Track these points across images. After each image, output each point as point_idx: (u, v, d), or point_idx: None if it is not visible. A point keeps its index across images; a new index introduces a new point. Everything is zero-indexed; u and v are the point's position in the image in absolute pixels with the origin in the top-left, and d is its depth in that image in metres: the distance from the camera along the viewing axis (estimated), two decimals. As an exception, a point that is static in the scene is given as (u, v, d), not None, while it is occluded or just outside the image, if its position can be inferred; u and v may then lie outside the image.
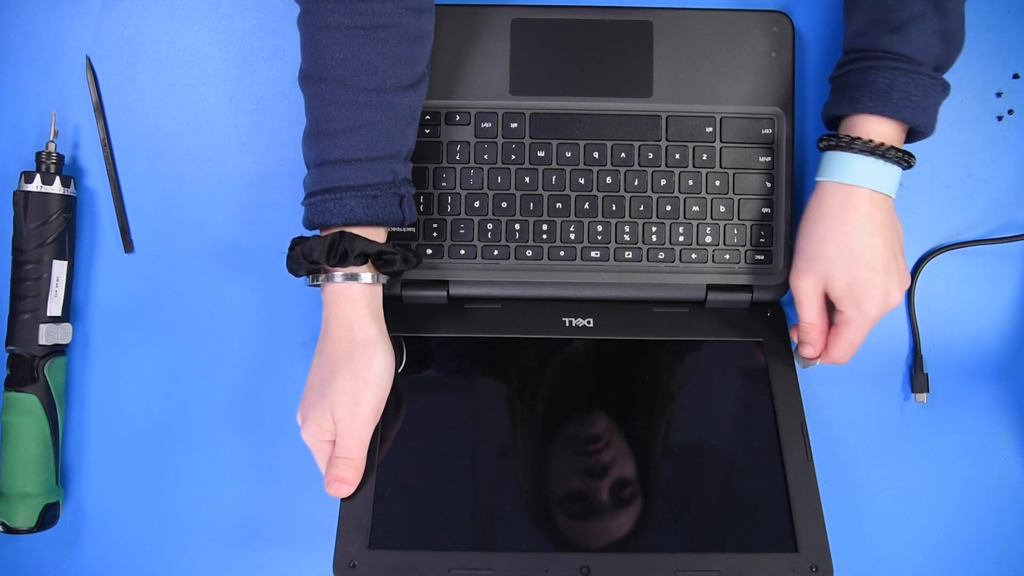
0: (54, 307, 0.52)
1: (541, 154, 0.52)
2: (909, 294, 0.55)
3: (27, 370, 0.51)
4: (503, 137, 0.52)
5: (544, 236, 0.52)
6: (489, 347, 0.51)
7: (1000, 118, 0.55)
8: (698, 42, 0.53)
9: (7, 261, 0.52)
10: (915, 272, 0.55)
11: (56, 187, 0.51)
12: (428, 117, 0.52)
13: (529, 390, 0.50)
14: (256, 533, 0.54)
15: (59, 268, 0.52)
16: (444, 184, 0.52)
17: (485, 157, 0.52)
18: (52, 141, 0.52)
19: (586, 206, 0.52)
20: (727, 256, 0.52)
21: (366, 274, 0.45)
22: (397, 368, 0.47)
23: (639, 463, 0.48)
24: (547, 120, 0.52)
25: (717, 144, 0.52)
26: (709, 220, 0.52)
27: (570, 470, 0.47)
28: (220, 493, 0.54)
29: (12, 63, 0.54)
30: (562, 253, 0.52)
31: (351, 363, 0.44)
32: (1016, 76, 0.54)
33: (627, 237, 0.52)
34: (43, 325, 0.51)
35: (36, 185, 0.51)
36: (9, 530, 0.50)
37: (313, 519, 0.54)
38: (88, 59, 0.54)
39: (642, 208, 0.52)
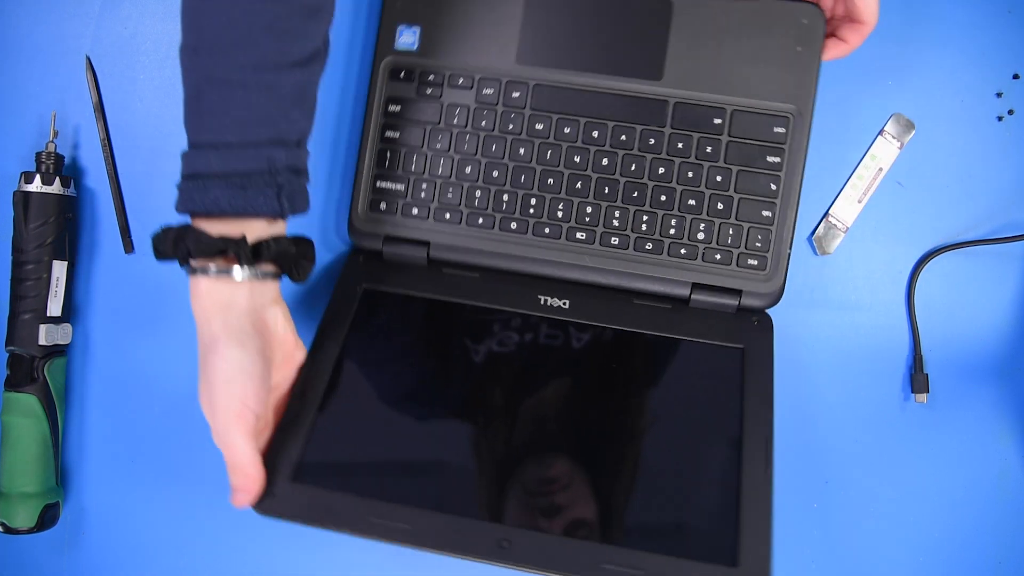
0: (54, 307, 0.52)
1: (539, 127, 0.51)
2: (909, 294, 0.55)
3: (27, 370, 0.51)
4: (503, 105, 0.51)
5: (531, 211, 0.51)
6: (459, 313, 0.49)
7: (1000, 118, 0.55)
8: (719, 27, 0.49)
9: (7, 261, 0.52)
10: (915, 272, 0.54)
11: (56, 187, 0.51)
12: (432, 77, 0.51)
13: (489, 361, 0.49)
14: (256, 533, 0.54)
15: (59, 268, 0.52)
16: (439, 146, 0.51)
17: (483, 124, 0.51)
18: (52, 141, 0.52)
19: (578, 185, 0.51)
20: (718, 256, 0.50)
21: (212, 267, 0.40)
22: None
23: (585, 448, 0.46)
24: (550, 93, 0.51)
25: (724, 137, 0.50)
26: (704, 216, 0.50)
27: (512, 444, 0.46)
28: (220, 493, 0.54)
29: (12, 63, 0.54)
30: (547, 230, 0.51)
31: (203, 367, 0.41)
32: (1016, 76, 0.54)
33: (615, 223, 0.51)
34: (43, 325, 0.51)
35: (36, 185, 0.51)
36: (9, 530, 0.50)
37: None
38: (88, 59, 0.54)
39: (635, 195, 0.50)
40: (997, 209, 0.54)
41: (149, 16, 0.55)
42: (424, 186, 0.51)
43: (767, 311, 0.51)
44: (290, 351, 0.45)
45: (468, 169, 0.51)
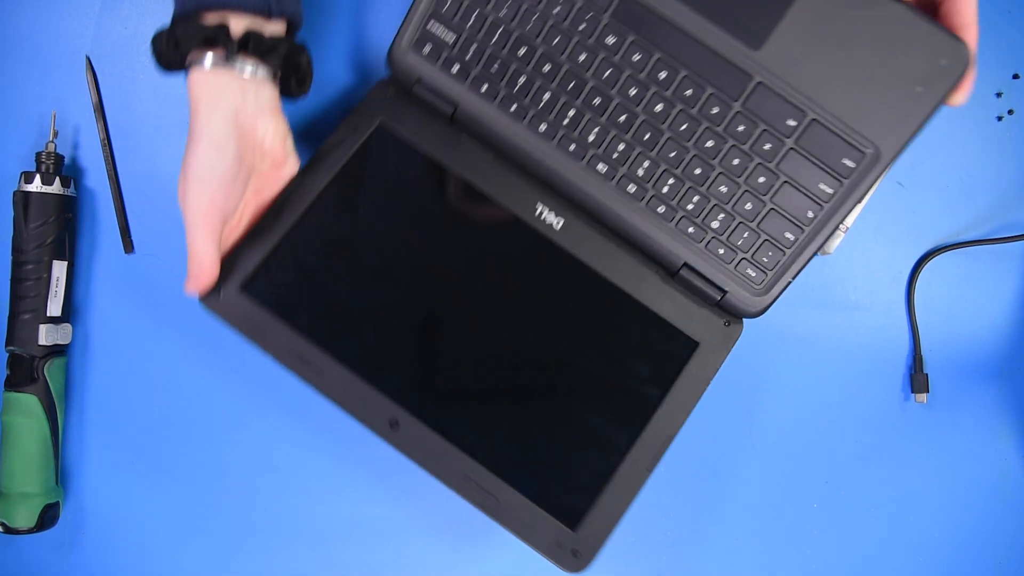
0: (54, 307, 0.52)
1: (610, 41, 0.45)
2: (909, 294, 0.55)
3: (27, 370, 0.51)
4: (584, 0, 0.45)
5: (565, 122, 0.46)
6: (454, 188, 0.48)
7: (1000, 118, 0.55)
8: (846, 22, 0.42)
9: (7, 261, 0.52)
10: (915, 272, 0.55)
11: (56, 187, 0.51)
12: None
13: (459, 245, 0.48)
14: (256, 533, 0.54)
15: (59, 268, 0.52)
16: (502, 14, 0.46)
17: (555, 11, 0.45)
18: (52, 141, 0.52)
19: (621, 119, 0.45)
20: (721, 251, 0.47)
21: (207, 58, 0.42)
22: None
23: (507, 365, 0.47)
24: (636, 11, 0.44)
25: (789, 142, 0.44)
26: (728, 208, 0.46)
27: (442, 335, 0.47)
28: (220, 493, 0.54)
29: (12, 63, 0.54)
30: (572, 147, 0.46)
31: (184, 160, 0.43)
32: (1016, 76, 0.54)
33: (640, 172, 0.46)
34: (43, 325, 0.51)
35: (36, 185, 0.51)
36: (9, 530, 0.50)
37: (314, 519, 0.54)
38: (88, 59, 0.54)
39: (672, 155, 0.45)
40: (997, 209, 0.54)
41: (149, 16, 0.55)
42: (473, 48, 0.47)
43: (743, 319, 0.48)
44: (279, 162, 0.46)
45: (521, 51, 0.46)
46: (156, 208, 0.55)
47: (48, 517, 0.52)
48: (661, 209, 0.47)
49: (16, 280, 0.51)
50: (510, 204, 0.48)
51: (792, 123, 0.44)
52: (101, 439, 0.54)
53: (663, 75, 0.45)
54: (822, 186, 0.44)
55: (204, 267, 0.43)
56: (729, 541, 0.55)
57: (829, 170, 0.44)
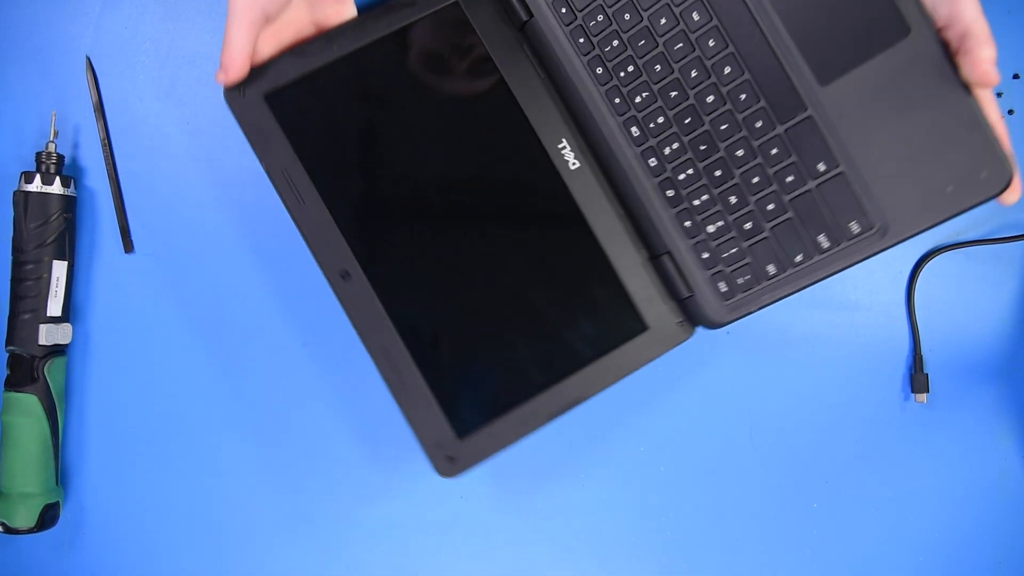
0: (54, 307, 0.52)
1: (695, 17, 0.44)
2: (909, 294, 0.55)
3: (27, 370, 0.51)
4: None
5: (622, 74, 0.46)
6: (494, 88, 0.48)
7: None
8: (914, 97, 0.41)
9: (7, 261, 0.52)
10: (915, 272, 0.55)
11: (56, 187, 0.51)
12: None
13: (477, 144, 0.49)
14: (257, 533, 0.54)
15: (59, 268, 0.52)
16: None
17: (695, 18, 0.44)
18: (52, 141, 0.52)
19: (672, 94, 0.45)
20: (706, 255, 0.47)
21: None
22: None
23: (467, 263, 0.48)
24: (732, 3, 0.43)
25: (810, 184, 0.44)
26: (728, 218, 0.46)
27: (429, 212, 0.48)
28: (220, 493, 0.54)
29: (12, 63, 0.54)
30: (617, 101, 0.46)
31: None
32: (1016, 76, 0.54)
33: (667, 151, 0.46)
34: (43, 325, 0.51)
35: (36, 185, 0.51)
36: (9, 530, 0.50)
37: (314, 519, 0.54)
38: (88, 59, 0.54)
39: (703, 148, 0.45)
40: (997, 209, 0.54)
41: (149, 16, 0.55)
42: None
43: (697, 326, 0.49)
44: None
45: (627, 15, 0.45)
46: (156, 208, 0.55)
47: (48, 517, 0.52)
48: (670, 193, 0.47)
49: (16, 280, 0.51)
50: (539, 128, 0.48)
51: (822, 167, 0.43)
52: (101, 439, 0.54)
53: (727, 70, 0.44)
54: (821, 238, 0.44)
55: (234, 59, 0.44)
56: (729, 541, 0.55)
57: (834, 226, 0.44)
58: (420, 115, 0.48)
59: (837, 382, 0.55)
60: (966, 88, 0.40)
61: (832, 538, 0.54)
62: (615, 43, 0.46)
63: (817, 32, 0.42)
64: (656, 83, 0.46)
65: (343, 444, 0.54)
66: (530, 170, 0.48)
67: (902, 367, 0.55)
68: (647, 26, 0.45)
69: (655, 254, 0.48)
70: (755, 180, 0.45)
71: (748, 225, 0.46)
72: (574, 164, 0.48)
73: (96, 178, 0.55)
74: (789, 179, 0.44)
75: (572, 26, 0.46)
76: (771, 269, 0.46)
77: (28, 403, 0.51)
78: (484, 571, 0.55)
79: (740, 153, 0.45)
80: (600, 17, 0.46)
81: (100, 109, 0.54)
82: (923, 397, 0.54)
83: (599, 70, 0.47)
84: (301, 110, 0.47)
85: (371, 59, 0.47)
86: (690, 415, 0.55)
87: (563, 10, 0.46)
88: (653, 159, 0.47)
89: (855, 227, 0.43)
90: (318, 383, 0.54)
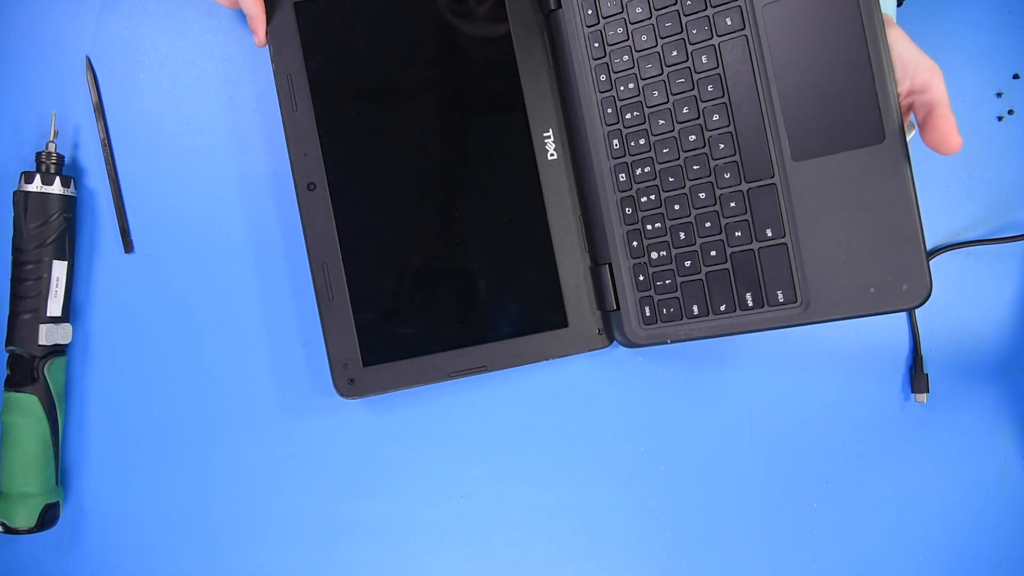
0: (54, 307, 0.52)
1: (704, 60, 0.46)
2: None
3: (27, 370, 0.51)
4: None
5: (621, 88, 0.48)
6: (502, 67, 0.51)
7: (1000, 118, 0.55)
8: (868, 198, 0.43)
9: (7, 261, 0.52)
10: (915, 272, 0.55)
11: (56, 187, 0.51)
12: None
13: (467, 109, 0.51)
14: (257, 533, 0.54)
15: (59, 268, 0.52)
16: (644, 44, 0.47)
17: (703, 60, 0.46)
18: (52, 141, 0.52)
19: (660, 122, 0.48)
20: (641, 278, 0.49)
21: None
22: None
23: (421, 206, 0.50)
24: (743, 54, 0.45)
25: (754, 244, 0.46)
26: (673, 251, 0.48)
27: (405, 151, 0.50)
28: (220, 493, 0.54)
29: (12, 63, 0.54)
30: (608, 111, 0.49)
31: None
32: (1016, 76, 0.54)
33: (638, 172, 0.48)
34: (43, 325, 0.51)
35: (36, 185, 0.51)
36: (9, 530, 0.50)
37: (314, 519, 0.54)
38: (88, 59, 0.54)
39: (671, 180, 0.48)
40: (997, 209, 0.54)
41: (149, 16, 0.55)
42: None
43: (613, 341, 0.52)
44: None
45: (644, 36, 0.47)
46: (156, 208, 0.55)
47: (48, 517, 0.52)
48: (629, 211, 0.49)
49: (16, 280, 0.51)
50: (531, 111, 0.51)
51: (769, 233, 0.46)
52: (101, 439, 0.54)
53: (716, 117, 0.46)
54: (747, 296, 0.47)
55: (259, 24, 0.49)
56: (729, 541, 0.55)
57: (762, 290, 0.46)
58: (429, 61, 0.51)
59: (837, 382, 0.55)
60: (916, 205, 0.42)
61: (832, 538, 0.54)
62: (625, 57, 0.48)
63: (805, 112, 0.45)
64: (650, 106, 0.48)
65: (343, 443, 0.54)
66: (511, 147, 0.51)
67: (902, 367, 0.55)
68: (659, 52, 0.47)
69: (597, 262, 0.51)
70: (707, 224, 0.47)
71: (688, 263, 0.48)
72: (552, 155, 0.51)
73: (96, 178, 0.55)
74: (737, 234, 0.46)
75: (592, 29, 0.49)
76: (695, 309, 0.48)
77: (28, 403, 0.51)
78: (484, 571, 0.55)
79: (703, 195, 0.47)
80: (619, 29, 0.48)
81: (100, 109, 0.54)
82: (923, 397, 0.54)
83: (603, 77, 0.49)
84: (322, 24, 0.50)
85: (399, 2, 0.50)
86: (690, 415, 0.55)
87: (589, 11, 0.49)
88: (624, 175, 0.49)
89: (780, 296, 0.46)
90: (318, 383, 0.54)
